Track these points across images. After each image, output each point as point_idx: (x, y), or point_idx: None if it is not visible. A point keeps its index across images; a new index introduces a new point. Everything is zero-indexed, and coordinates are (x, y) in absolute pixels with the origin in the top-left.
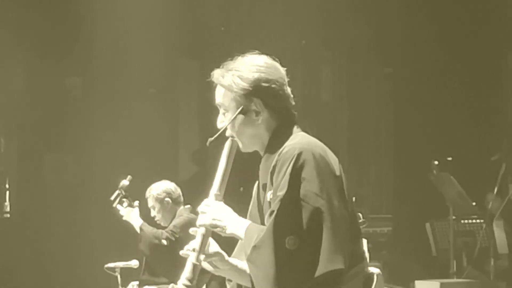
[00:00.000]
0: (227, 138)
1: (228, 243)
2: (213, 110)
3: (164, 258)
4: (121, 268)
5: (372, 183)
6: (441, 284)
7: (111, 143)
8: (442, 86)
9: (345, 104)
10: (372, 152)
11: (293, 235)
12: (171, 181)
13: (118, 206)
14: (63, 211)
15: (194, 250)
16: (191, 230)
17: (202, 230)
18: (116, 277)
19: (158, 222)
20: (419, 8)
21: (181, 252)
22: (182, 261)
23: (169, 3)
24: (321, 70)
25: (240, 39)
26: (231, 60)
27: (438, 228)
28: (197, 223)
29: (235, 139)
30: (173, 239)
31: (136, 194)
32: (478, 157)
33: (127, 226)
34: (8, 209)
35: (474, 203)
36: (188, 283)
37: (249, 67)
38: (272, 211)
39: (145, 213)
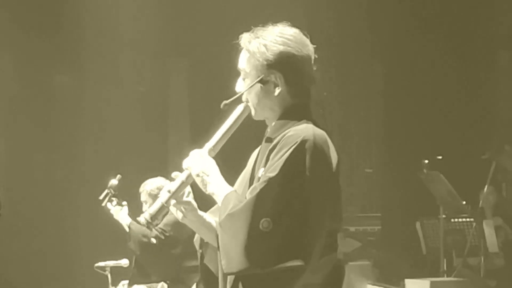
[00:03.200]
0: (240, 102)
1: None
2: (204, 108)
3: (153, 256)
4: (111, 267)
5: (361, 181)
6: (431, 282)
7: (100, 141)
8: (432, 85)
9: (334, 102)
10: (361, 151)
11: (269, 218)
12: None
13: (108, 205)
14: (53, 209)
15: (169, 191)
16: (174, 174)
17: (183, 177)
18: (107, 276)
19: None
20: (410, 5)
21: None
22: (173, 259)
23: (159, 1)
24: None
25: (230, 36)
26: (263, 26)
27: (428, 226)
28: (184, 165)
29: (249, 104)
30: (163, 237)
31: (126, 192)
32: (468, 156)
33: (117, 224)
34: None
35: (464, 202)
36: (149, 219)
37: (277, 38)
38: (255, 188)
39: (134, 212)
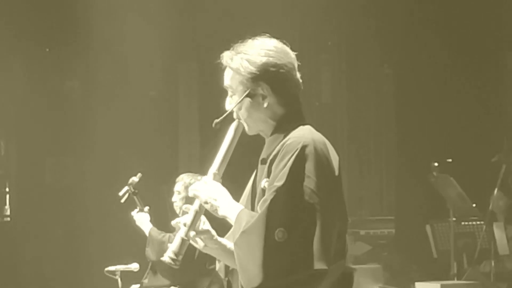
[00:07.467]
0: (233, 120)
1: (221, 221)
2: (214, 113)
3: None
4: (122, 272)
5: (372, 184)
6: (442, 285)
7: (111, 146)
8: (442, 87)
9: (345, 105)
10: (372, 154)
11: (283, 227)
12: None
13: (132, 213)
14: (63, 214)
15: (185, 224)
16: (185, 207)
17: (195, 207)
18: (117, 280)
19: (175, 207)
20: (419, 8)
21: (172, 223)
22: (188, 265)
23: (168, 6)
24: (321, 71)
25: (240, 40)
26: (242, 42)
27: (439, 229)
28: (189, 194)
29: (241, 121)
30: None
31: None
32: (478, 159)
33: (128, 229)
34: (8, 212)
35: (474, 205)
36: (174, 257)
37: (258, 50)
38: (266, 200)
39: (155, 218)
